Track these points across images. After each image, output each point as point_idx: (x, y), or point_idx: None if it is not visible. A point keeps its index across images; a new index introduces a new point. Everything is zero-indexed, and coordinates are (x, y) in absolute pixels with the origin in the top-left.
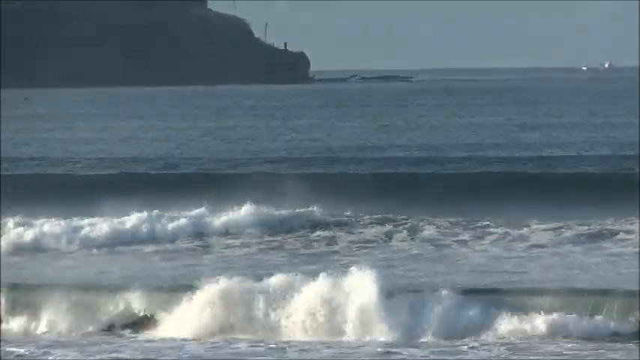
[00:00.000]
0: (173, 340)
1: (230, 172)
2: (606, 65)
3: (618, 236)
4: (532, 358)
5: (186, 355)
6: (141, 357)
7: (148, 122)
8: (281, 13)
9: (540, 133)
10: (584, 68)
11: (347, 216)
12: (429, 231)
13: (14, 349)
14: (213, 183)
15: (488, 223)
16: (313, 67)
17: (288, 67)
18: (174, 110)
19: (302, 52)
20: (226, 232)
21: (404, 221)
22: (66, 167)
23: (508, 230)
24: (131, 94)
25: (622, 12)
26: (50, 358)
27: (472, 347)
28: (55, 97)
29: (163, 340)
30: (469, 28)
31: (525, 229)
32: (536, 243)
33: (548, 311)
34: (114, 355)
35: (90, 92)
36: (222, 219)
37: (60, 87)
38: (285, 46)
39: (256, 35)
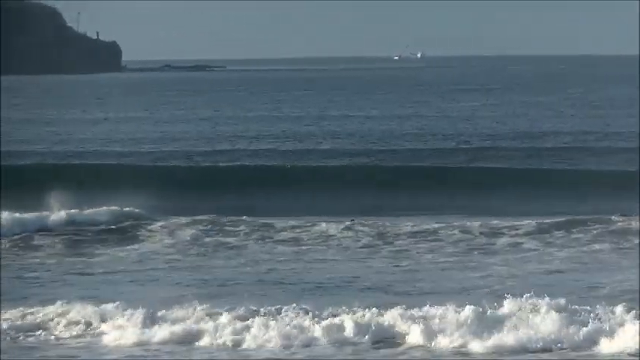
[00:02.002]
0: None
1: None
2: (418, 55)
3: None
4: None
5: None
6: None
7: None
8: (95, 3)
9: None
10: (396, 57)
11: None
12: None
13: None
14: None
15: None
16: (127, 57)
17: (100, 56)
18: None
19: (114, 42)
20: None
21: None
22: None
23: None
24: None
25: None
26: None
27: None
28: None
29: None
30: (289, 21)
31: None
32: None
33: None
34: None
35: None
36: None
37: None
38: (98, 35)
39: (69, 24)
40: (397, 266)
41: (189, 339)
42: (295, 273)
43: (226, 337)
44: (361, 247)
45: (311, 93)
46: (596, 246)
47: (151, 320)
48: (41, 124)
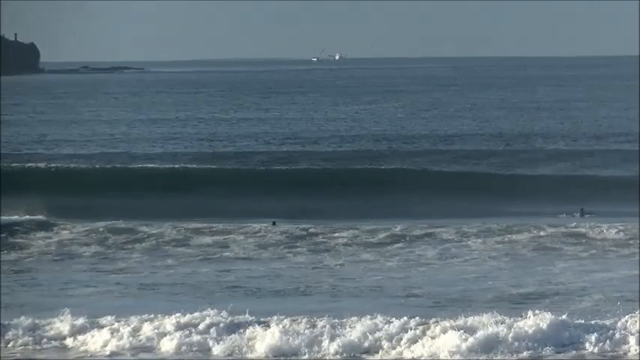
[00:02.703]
0: None
1: None
2: (337, 57)
3: None
4: None
5: None
6: None
7: None
8: (14, 5)
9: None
10: (314, 59)
11: None
12: None
13: None
14: None
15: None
16: (47, 59)
17: (18, 58)
18: None
19: (32, 44)
20: None
21: None
22: None
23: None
24: None
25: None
26: None
27: None
28: None
29: None
30: (213, 22)
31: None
32: None
33: None
34: None
35: None
36: None
37: None
38: (16, 37)
39: None
40: (315, 267)
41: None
42: (211, 275)
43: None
44: (281, 249)
45: (227, 94)
46: (513, 249)
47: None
48: None
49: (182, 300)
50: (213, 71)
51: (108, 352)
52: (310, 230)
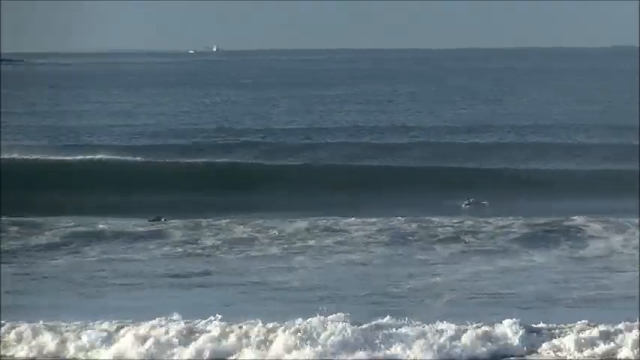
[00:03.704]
0: None
1: None
2: (214, 49)
3: None
4: None
5: None
6: None
7: None
8: None
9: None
10: (192, 51)
11: None
12: None
13: None
14: None
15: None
16: None
17: None
18: None
19: None
20: None
21: None
22: None
23: None
24: None
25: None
26: None
27: None
28: None
29: None
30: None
31: None
32: None
33: None
34: None
35: None
36: None
37: None
38: None
39: None
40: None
41: None
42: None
43: None
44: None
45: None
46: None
47: None
48: None
49: None
50: (90, 63)
51: None
52: (199, 225)
